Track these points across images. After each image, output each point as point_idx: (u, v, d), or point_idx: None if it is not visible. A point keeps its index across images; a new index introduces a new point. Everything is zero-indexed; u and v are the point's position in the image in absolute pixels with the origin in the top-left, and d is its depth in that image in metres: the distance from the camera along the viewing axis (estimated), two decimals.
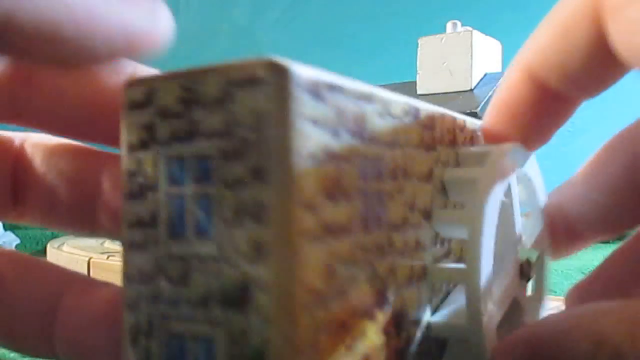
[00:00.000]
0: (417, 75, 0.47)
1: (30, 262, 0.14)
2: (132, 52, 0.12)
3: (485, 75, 0.46)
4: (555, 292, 0.43)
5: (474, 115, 0.42)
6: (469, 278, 0.14)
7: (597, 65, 0.14)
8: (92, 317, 0.14)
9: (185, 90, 0.12)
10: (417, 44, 0.47)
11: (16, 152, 0.14)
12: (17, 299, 0.14)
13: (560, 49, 0.14)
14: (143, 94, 0.12)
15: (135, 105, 0.12)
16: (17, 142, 0.14)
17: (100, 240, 0.69)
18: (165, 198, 0.12)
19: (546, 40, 0.14)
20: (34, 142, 0.14)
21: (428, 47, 0.46)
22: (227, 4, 1.15)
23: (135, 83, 0.12)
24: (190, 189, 0.12)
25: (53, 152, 0.14)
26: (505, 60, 0.48)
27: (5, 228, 0.75)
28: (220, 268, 0.11)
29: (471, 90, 0.44)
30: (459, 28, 0.46)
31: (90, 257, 0.52)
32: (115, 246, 0.64)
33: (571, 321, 0.11)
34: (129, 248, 0.12)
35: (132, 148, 0.12)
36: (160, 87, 0.12)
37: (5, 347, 0.14)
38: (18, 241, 0.70)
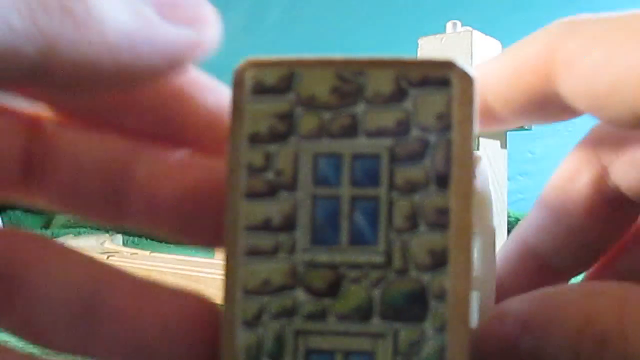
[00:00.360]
0: None
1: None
2: (182, 65, 0.11)
3: None
4: None
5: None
6: None
7: (541, 107, 0.14)
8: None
9: (343, 80, 0.11)
10: (417, 44, 0.47)
11: (33, 127, 0.13)
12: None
13: (508, 85, 0.14)
14: (278, 78, 0.11)
15: (265, 90, 0.11)
16: (33, 117, 0.14)
17: (100, 240, 0.69)
18: (308, 199, 0.11)
19: (499, 73, 0.14)
20: (57, 122, 0.14)
21: (428, 47, 0.46)
22: (227, 4, 1.15)
23: (264, 65, 0.11)
24: (348, 191, 0.11)
25: (80, 134, 0.13)
26: None
27: None
28: (387, 277, 0.10)
29: None
30: (459, 28, 0.46)
31: None
32: (115, 246, 0.64)
33: (563, 297, 0.11)
34: (249, 254, 0.11)
35: (256, 139, 0.11)
36: (305, 73, 0.11)
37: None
38: None
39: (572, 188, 0.15)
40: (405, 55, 0.11)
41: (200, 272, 0.42)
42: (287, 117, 0.11)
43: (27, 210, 1.05)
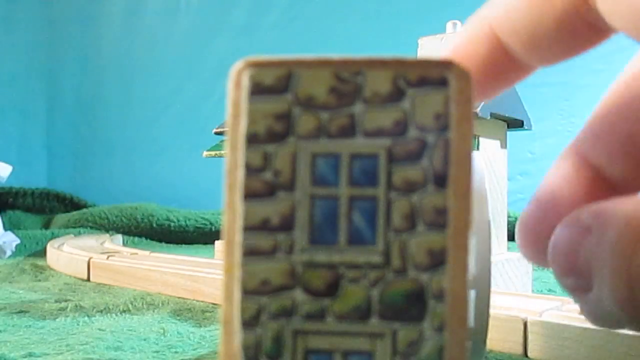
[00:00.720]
0: None
1: None
2: None
3: None
4: (555, 292, 0.43)
5: (474, 115, 0.42)
6: None
7: (569, 34, 0.13)
8: None
9: (341, 80, 0.11)
10: (417, 44, 0.47)
11: None
12: None
13: (530, 14, 0.13)
14: (276, 78, 0.11)
15: (263, 90, 0.11)
16: None
17: (100, 240, 0.69)
18: (307, 200, 0.11)
19: (516, 3, 0.13)
20: None
21: (428, 47, 0.46)
22: (227, 4, 1.15)
23: (262, 64, 0.11)
24: (346, 191, 0.11)
25: None
26: None
27: (5, 228, 0.75)
28: (385, 277, 0.10)
29: None
30: (459, 28, 0.46)
31: (90, 257, 0.52)
32: (115, 246, 0.64)
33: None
34: (248, 255, 0.11)
35: (254, 139, 0.11)
36: (303, 74, 0.11)
37: None
38: (18, 241, 0.70)
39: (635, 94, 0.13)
40: (403, 54, 0.11)
41: (200, 272, 0.42)
42: (285, 117, 0.11)
43: (27, 210, 1.05)
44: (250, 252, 0.11)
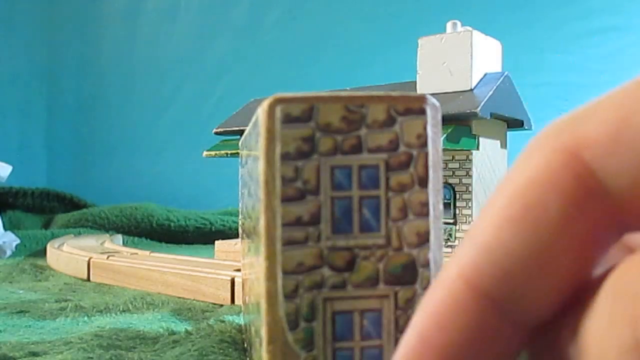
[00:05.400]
0: (417, 75, 0.47)
1: None
2: None
3: (485, 75, 0.46)
4: None
5: (474, 115, 0.42)
6: None
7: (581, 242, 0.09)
8: None
9: (350, 111, 0.14)
10: (417, 44, 0.47)
11: None
12: None
13: (517, 242, 0.09)
14: (302, 110, 0.14)
15: (292, 120, 0.14)
16: None
17: (100, 240, 0.69)
18: (328, 201, 0.14)
19: (492, 234, 0.09)
20: None
21: (428, 47, 0.46)
22: (227, 4, 1.15)
23: (290, 100, 0.14)
24: (357, 192, 0.14)
25: None
26: (505, 60, 0.48)
27: (5, 228, 0.75)
28: (388, 254, 0.14)
29: (471, 90, 0.44)
30: (459, 28, 0.46)
31: (90, 257, 0.52)
32: (115, 246, 0.64)
33: None
34: (286, 244, 0.14)
35: (287, 157, 0.14)
36: (322, 107, 0.14)
37: None
38: (18, 241, 0.70)
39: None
40: (393, 92, 0.14)
41: (200, 272, 0.42)
42: (310, 140, 0.14)
43: (27, 210, 1.05)
44: (288, 242, 0.14)
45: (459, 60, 0.45)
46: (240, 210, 0.23)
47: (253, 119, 0.16)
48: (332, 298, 0.14)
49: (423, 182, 0.14)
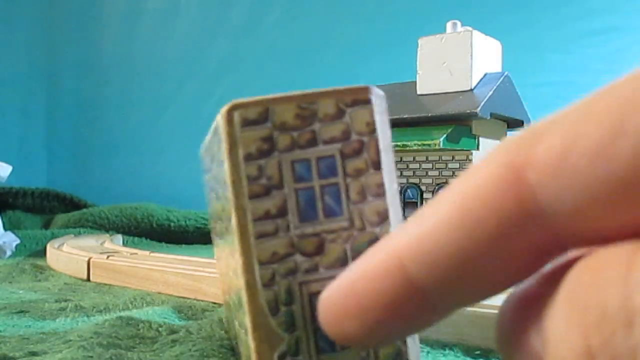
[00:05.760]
0: (417, 75, 0.47)
1: None
2: None
3: (485, 75, 0.46)
4: None
5: (474, 115, 0.42)
6: None
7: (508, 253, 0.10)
8: None
9: (302, 109, 0.15)
10: (417, 44, 0.47)
11: None
12: None
13: (452, 238, 0.10)
14: (258, 113, 0.15)
15: (250, 123, 0.15)
16: None
17: (100, 240, 0.69)
18: (293, 193, 0.15)
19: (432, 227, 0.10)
20: None
21: (428, 47, 0.46)
22: (227, 4, 1.15)
23: (245, 105, 0.15)
24: (318, 182, 0.15)
25: None
26: (505, 60, 0.48)
27: (5, 228, 0.75)
28: (353, 235, 0.15)
29: (471, 90, 0.44)
30: (459, 28, 0.46)
31: (90, 257, 0.52)
32: (115, 246, 0.64)
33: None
34: (258, 237, 0.15)
35: (249, 157, 0.15)
36: (276, 107, 0.15)
37: None
38: (18, 241, 0.70)
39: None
40: (339, 86, 0.15)
41: (200, 272, 0.42)
42: (269, 139, 0.15)
43: (27, 210, 1.05)
44: (260, 235, 0.15)
45: (459, 60, 0.45)
46: (209, 215, 0.23)
47: (212, 127, 0.17)
48: (307, 281, 0.15)
49: (376, 165, 0.15)
